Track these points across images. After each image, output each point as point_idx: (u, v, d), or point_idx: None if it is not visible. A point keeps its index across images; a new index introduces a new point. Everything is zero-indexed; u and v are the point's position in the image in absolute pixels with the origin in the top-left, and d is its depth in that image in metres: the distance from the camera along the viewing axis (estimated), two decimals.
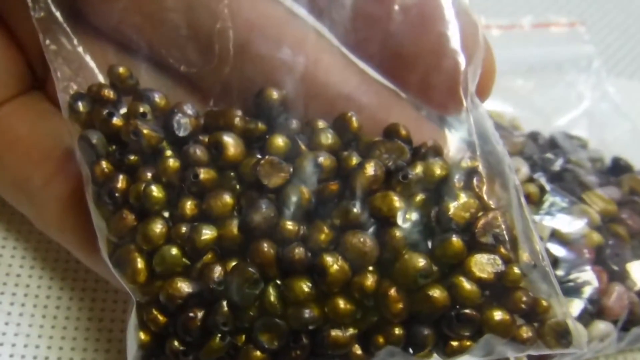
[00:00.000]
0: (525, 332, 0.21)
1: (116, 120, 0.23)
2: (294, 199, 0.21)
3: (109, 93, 0.23)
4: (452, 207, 0.21)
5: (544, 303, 0.22)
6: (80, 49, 0.24)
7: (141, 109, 0.23)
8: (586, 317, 0.29)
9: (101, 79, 0.24)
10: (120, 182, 0.22)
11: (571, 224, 0.31)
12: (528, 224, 0.22)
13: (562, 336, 0.22)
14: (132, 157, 0.22)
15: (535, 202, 0.32)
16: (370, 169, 0.21)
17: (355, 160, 0.22)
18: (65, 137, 0.26)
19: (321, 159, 0.22)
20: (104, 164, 0.22)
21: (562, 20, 0.42)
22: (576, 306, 0.29)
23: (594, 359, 0.30)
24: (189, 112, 0.23)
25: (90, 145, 0.22)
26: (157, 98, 0.23)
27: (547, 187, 0.32)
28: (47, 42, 0.23)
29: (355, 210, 0.21)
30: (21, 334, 0.27)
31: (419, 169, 0.22)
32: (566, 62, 0.41)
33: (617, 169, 0.35)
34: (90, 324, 0.28)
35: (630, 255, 0.31)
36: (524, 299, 0.21)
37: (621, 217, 0.32)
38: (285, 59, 0.23)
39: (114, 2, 0.24)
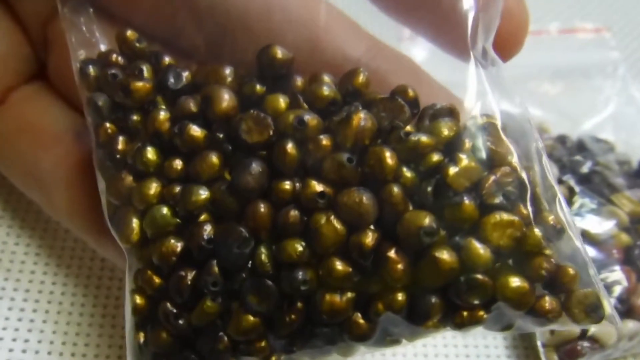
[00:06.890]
0: (549, 304, 0.19)
1: (120, 80, 0.22)
2: (282, 155, 0.19)
3: (117, 58, 0.23)
4: (452, 172, 0.19)
5: (571, 271, 0.19)
6: (95, 19, 0.24)
7: (143, 67, 0.22)
8: None
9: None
10: (121, 143, 0.21)
11: (600, 225, 0.31)
12: (552, 186, 0.20)
13: (593, 309, 0.19)
14: (134, 118, 0.22)
15: None
16: (357, 120, 0.19)
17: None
18: (74, 123, 0.26)
19: (307, 117, 0.20)
20: (107, 125, 0.22)
21: (588, 26, 0.42)
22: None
23: (621, 358, 0.31)
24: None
25: (96, 107, 0.22)
26: (166, 59, 0.23)
27: (577, 188, 0.32)
28: (65, 11, 0.23)
29: (345, 162, 0.19)
30: (25, 319, 0.27)
31: (421, 128, 0.20)
32: (592, 68, 0.41)
33: None
34: (94, 310, 0.28)
35: None
36: (546, 265, 0.19)
37: None
38: (292, 26, 0.23)
39: None
